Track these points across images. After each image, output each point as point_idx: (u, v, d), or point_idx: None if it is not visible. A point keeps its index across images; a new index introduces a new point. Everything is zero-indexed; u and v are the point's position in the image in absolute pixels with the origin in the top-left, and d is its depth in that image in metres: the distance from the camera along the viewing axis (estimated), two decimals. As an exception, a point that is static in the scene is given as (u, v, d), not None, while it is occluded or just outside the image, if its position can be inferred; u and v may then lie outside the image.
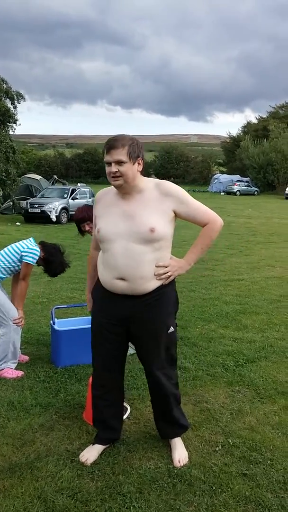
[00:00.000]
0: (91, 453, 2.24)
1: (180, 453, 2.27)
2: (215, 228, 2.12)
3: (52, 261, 3.26)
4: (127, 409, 2.69)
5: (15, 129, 17.56)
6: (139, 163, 2.01)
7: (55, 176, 23.56)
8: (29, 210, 16.17)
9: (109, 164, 1.98)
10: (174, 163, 51.08)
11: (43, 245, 3.29)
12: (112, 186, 2.09)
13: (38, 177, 21.86)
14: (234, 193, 35.13)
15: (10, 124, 17.22)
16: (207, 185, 42.46)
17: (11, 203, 18.50)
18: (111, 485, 2.05)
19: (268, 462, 2.25)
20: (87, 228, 3.16)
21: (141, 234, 1.98)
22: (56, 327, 3.32)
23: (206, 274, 6.92)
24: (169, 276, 2.08)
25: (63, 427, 2.52)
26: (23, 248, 3.14)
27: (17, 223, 15.92)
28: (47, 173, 35.50)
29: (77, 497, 1.97)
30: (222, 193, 36.21)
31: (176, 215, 2.07)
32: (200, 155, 53.64)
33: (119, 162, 1.95)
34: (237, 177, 38.98)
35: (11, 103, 17.30)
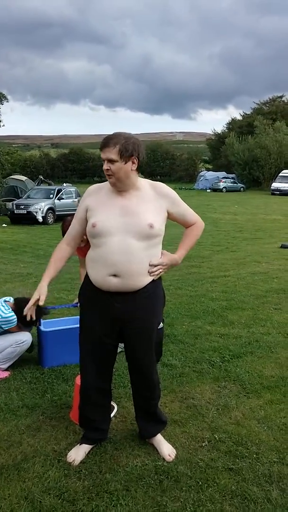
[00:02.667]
0: (78, 453, 2.24)
1: (167, 447, 2.29)
2: (200, 228, 2.29)
3: (24, 320, 3.21)
4: (114, 407, 2.70)
5: (-2, 130, 17.42)
6: (133, 162, 2.01)
7: (40, 177, 23.41)
8: (15, 212, 16.06)
9: (104, 161, 2.02)
10: (159, 161, 51.11)
11: (16, 304, 3.21)
12: (104, 183, 2.14)
13: (23, 178, 21.70)
14: (221, 190, 35.32)
15: (-7, 125, 17.08)
16: (193, 182, 42.62)
17: (-4, 204, 18.33)
18: (98, 483, 2.06)
19: (254, 456, 2.28)
20: None
21: (140, 230, 2.00)
22: (41, 328, 3.31)
23: (192, 271, 6.95)
24: (160, 272, 2.13)
25: (50, 427, 2.52)
26: None
27: (4, 225, 15.77)
28: (33, 174, 35.23)
29: (64, 496, 1.97)
30: (209, 190, 36.37)
31: (168, 215, 2.14)
32: (185, 152, 53.78)
33: (111, 161, 1.98)
34: (223, 174, 39.22)
35: (-6, 104, 17.15)
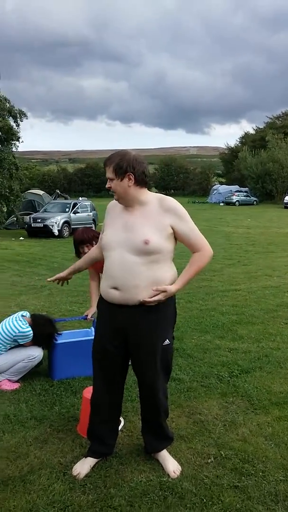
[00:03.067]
0: (83, 467, 2.25)
1: (172, 463, 2.28)
2: (205, 257, 2.15)
3: (41, 337, 3.26)
4: (120, 421, 2.70)
5: (18, 146, 17.81)
6: (129, 178, 2.05)
7: (57, 191, 23.81)
8: (32, 225, 16.35)
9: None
10: (173, 175, 51.46)
11: (33, 320, 3.29)
12: None
13: (41, 192, 22.09)
14: (233, 204, 35.30)
15: (13, 142, 17.47)
16: (207, 196, 42.70)
17: (14, 218, 18.71)
18: (102, 498, 2.06)
19: (260, 474, 2.25)
20: (86, 250, 3.12)
21: (135, 245, 2.04)
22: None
23: (203, 284, 6.95)
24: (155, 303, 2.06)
25: (57, 440, 2.54)
26: (15, 332, 3.14)
27: (21, 238, 16.03)
28: (50, 188, 35.79)
29: (68, 510, 1.98)
30: (222, 204, 36.39)
31: (173, 232, 2.09)
32: (199, 166, 54.01)
33: (109, 179, 2.10)
34: (236, 187, 39.24)
35: (14, 121, 17.59)
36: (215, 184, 46.10)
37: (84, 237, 3.16)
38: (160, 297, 2.04)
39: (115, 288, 2.09)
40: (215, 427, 2.68)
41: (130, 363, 2.31)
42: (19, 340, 3.18)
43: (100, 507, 2.00)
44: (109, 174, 2.08)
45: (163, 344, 2.17)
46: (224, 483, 2.18)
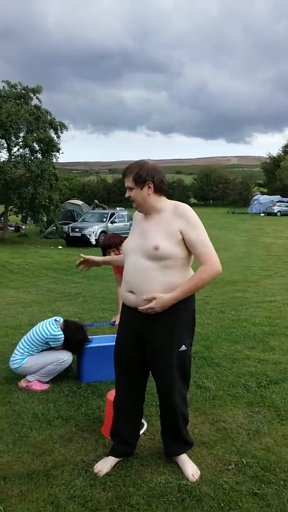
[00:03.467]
0: (104, 465, 2.32)
1: (191, 467, 2.31)
2: (208, 271, 2.07)
3: (71, 342, 3.38)
4: (143, 425, 2.76)
5: (58, 157, 18.46)
6: (149, 187, 2.14)
7: (95, 201, 24.38)
8: (71, 234, 16.84)
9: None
10: (212, 185, 51.17)
11: (65, 325, 3.44)
12: None
13: (80, 202, 22.73)
14: (275, 214, 34.58)
15: (53, 153, 18.14)
16: (247, 206, 42.07)
17: (54, 227, 19.32)
18: (121, 496, 2.12)
19: (281, 482, 2.23)
20: (112, 254, 3.25)
21: (147, 250, 2.12)
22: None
23: (237, 295, 6.88)
24: (152, 309, 2.09)
25: (81, 439, 2.62)
26: (47, 335, 3.30)
27: (59, 247, 16.54)
28: (89, 198, 36.71)
29: (87, 505, 2.05)
30: (262, 214, 35.74)
31: (183, 238, 2.09)
32: (239, 176, 53.42)
33: (129, 188, 2.18)
34: (278, 197, 38.44)
35: (55, 133, 18.28)
36: (256, 194, 45.36)
37: (111, 242, 3.28)
38: (152, 305, 2.06)
39: (131, 291, 2.18)
40: (239, 435, 2.68)
41: None
42: (50, 343, 3.31)
43: (118, 504, 2.06)
44: (129, 183, 2.16)
45: (179, 350, 2.20)
46: (243, 489, 2.17)
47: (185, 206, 2.16)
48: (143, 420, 2.80)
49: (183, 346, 2.21)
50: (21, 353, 3.34)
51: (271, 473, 2.30)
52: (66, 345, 3.39)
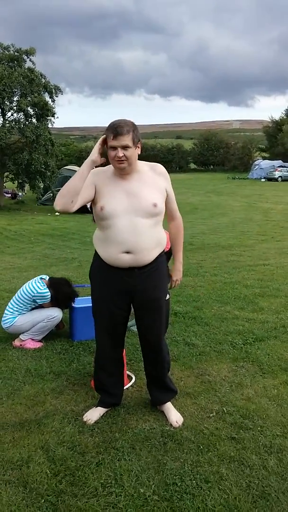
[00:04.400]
0: (93, 414, 2.47)
1: (175, 414, 2.45)
2: (181, 225, 2.50)
3: (58, 297, 3.47)
4: (132, 378, 2.90)
5: (53, 122, 18.09)
6: (138, 147, 2.17)
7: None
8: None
9: (115, 148, 2.09)
10: (213, 150, 50.31)
11: (50, 281, 3.53)
12: (108, 166, 2.26)
13: (77, 168, 22.43)
14: (276, 179, 34.22)
15: (48, 118, 17.76)
16: (248, 172, 41.55)
17: (51, 194, 19.19)
18: (107, 440, 2.26)
19: (258, 428, 2.37)
20: None
21: (145, 209, 2.16)
22: (73, 304, 3.57)
23: (232, 259, 6.96)
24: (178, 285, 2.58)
25: (72, 391, 2.76)
26: (33, 293, 3.39)
27: (56, 213, 16.50)
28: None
29: (75, 449, 2.20)
30: (263, 180, 35.35)
31: (166, 194, 2.29)
32: (240, 141, 52.42)
33: (125, 147, 2.10)
34: (279, 162, 37.87)
35: (50, 97, 17.83)
36: (257, 159, 44.68)
37: None
38: (179, 279, 2.58)
39: (127, 252, 2.19)
40: (222, 387, 2.81)
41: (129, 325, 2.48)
42: (37, 301, 3.42)
43: (104, 448, 2.20)
44: (128, 141, 2.07)
45: (166, 299, 2.39)
46: (222, 434, 2.31)
47: (161, 166, 2.29)
48: (131, 374, 2.94)
49: (168, 295, 2.44)
50: (11, 312, 3.44)
51: (249, 420, 2.44)
52: (55, 301, 3.49)
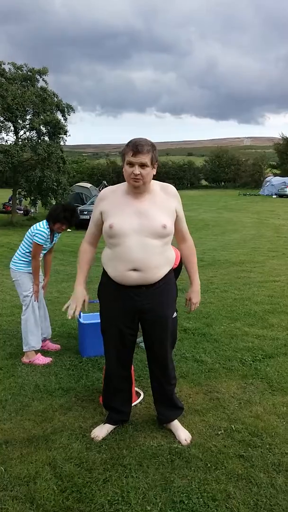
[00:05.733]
0: (101, 431, 2.47)
1: (184, 432, 2.44)
2: (194, 248, 2.50)
3: (55, 218, 3.50)
4: (140, 394, 2.90)
5: (65, 140, 18.40)
6: (154, 167, 2.21)
7: (104, 182, 24.30)
8: (79, 217, 16.91)
9: (132, 165, 2.12)
10: (224, 167, 50.54)
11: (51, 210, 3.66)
12: (118, 185, 2.32)
13: (88, 185, 22.73)
14: (287, 196, 34.11)
15: (61, 136, 18.08)
16: (259, 188, 41.56)
17: (63, 210, 19.37)
18: (115, 457, 2.26)
19: (267, 446, 2.35)
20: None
21: (154, 230, 2.19)
22: (81, 320, 3.60)
23: (242, 275, 6.94)
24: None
25: (80, 408, 2.77)
26: (33, 230, 3.51)
27: (68, 230, 16.63)
28: (99, 182, 36.63)
29: (83, 465, 2.20)
30: (274, 196, 35.28)
31: (176, 215, 2.31)
32: (251, 158, 52.62)
33: (143, 165, 2.13)
34: (290, 179, 37.80)
35: (62, 115, 18.18)
36: (268, 176, 44.70)
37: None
38: (198, 301, 2.51)
39: (134, 270, 2.21)
40: (230, 404, 2.79)
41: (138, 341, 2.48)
42: (35, 237, 3.44)
43: (112, 464, 2.20)
44: (146, 160, 2.11)
45: (173, 317, 2.41)
46: (230, 452, 2.29)
47: (172, 187, 2.32)
48: (139, 390, 2.94)
49: (175, 313, 2.46)
50: (19, 255, 3.59)
51: (258, 438, 2.42)
52: (59, 224, 3.51)
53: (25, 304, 3.56)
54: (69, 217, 3.52)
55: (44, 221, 3.56)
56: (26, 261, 3.56)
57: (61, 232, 3.63)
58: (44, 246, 3.50)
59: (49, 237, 3.51)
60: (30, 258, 3.54)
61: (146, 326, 2.36)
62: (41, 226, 3.49)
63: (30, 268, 3.55)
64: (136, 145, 2.12)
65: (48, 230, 3.50)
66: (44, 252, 3.62)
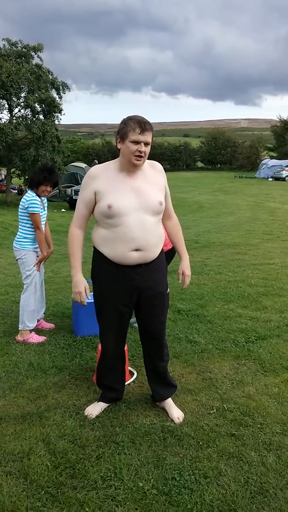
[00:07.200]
0: (94, 409, 2.49)
1: (177, 411, 2.47)
2: (179, 224, 2.52)
3: (37, 182, 3.52)
4: (133, 373, 2.92)
5: (60, 119, 18.12)
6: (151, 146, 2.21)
7: (95, 161, 24.03)
8: (74, 197, 16.78)
9: (137, 143, 2.09)
10: (220, 148, 50.15)
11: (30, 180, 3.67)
12: (107, 163, 2.28)
13: (83, 165, 22.50)
14: (283, 179, 34.01)
15: (55, 114, 17.79)
16: (255, 171, 41.35)
17: (57, 190, 19.23)
18: (108, 434, 2.28)
19: (258, 426, 2.38)
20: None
21: (153, 207, 2.19)
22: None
23: (236, 258, 6.95)
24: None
25: (74, 386, 2.79)
26: (24, 203, 3.51)
27: (63, 210, 16.55)
28: (94, 162, 36.23)
29: (76, 442, 2.22)
30: (270, 179, 35.16)
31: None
32: (248, 140, 52.17)
33: (147, 144, 2.13)
34: (287, 162, 37.62)
35: (57, 93, 17.85)
36: (265, 159, 44.42)
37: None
38: (189, 274, 2.52)
39: (136, 249, 2.19)
40: (223, 384, 2.82)
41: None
42: (29, 210, 3.47)
43: (105, 442, 2.22)
44: (149, 138, 2.12)
45: (167, 292, 2.46)
46: (222, 431, 2.33)
47: (159, 164, 2.34)
48: (133, 370, 2.96)
49: (168, 289, 2.51)
50: (21, 233, 3.57)
51: (249, 417, 2.45)
52: (45, 185, 3.53)
53: (27, 283, 3.54)
54: (49, 175, 3.52)
55: (29, 190, 3.57)
56: (30, 237, 3.54)
57: (47, 195, 3.64)
58: (41, 213, 3.52)
59: (40, 203, 3.53)
60: (33, 234, 3.53)
61: (144, 302, 2.35)
62: (30, 196, 3.50)
63: (35, 244, 3.55)
64: (143, 122, 2.10)
65: (37, 196, 3.51)
66: (43, 221, 3.60)
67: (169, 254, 3.18)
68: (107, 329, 2.43)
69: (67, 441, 2.23)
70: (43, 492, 1.89)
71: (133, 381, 2.85)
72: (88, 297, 2.35)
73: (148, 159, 2.24)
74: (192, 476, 1.98)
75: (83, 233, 2.38)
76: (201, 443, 2.22)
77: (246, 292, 4.92)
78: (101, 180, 2.21)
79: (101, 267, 2.31)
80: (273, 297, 4.78)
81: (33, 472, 2.00)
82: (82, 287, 2.33)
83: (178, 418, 2.42)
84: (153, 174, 2.27)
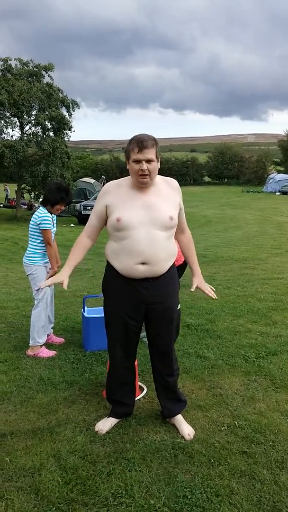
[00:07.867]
0: (105, 424, 2.48)
1: (188, 428, 2.46)
2: (191, 238, 2.56)
3: (54, 201, 3.56)
4: (143, 389, 2.91)
5: (70, 136, 18.43)
6: (159, 161, 2.23)
7: (103, 177, 24.28)
8: (82, 212, 16.96)
9: (139, 162, 2.14)
10: (227, 163, 50.41)
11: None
12: (122, 179, 2.33)
13: (92, 180, 22.74)
14: (291, 193, 33.97)
15: (65, 131, 18.11)
16: (262, 185, 41.40)
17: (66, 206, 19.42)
18: (119, 451, 2.27)
19: (270, 443, 2.35)
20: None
21: (162, 222, 2.22)
22: (85, 314, 3.61)
23: (245, 272, 6.94)
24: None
25: (84, 401, 2.79)
26: (36, 219, 3.54)
27: (71, 225, 16.69)
28: (102, 177, 36.62)
29: (87, 458, 2.21)
30: (278, 193, 35.14)
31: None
32: (255, 154, 52.39)
33: (149, 161, 2.15)
34: (294, 176, 37.63)
35: (67, 111, 18.20)
36: (272, 173, 44.50)
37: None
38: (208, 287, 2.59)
39: (143, 263, 2.23)
40: (233, 401, 2.80)
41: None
42: (41, 226, 3.50)
43: (115, 458, 2.21)
44: (152, 155, 2.14)
45: (177, 308, 2.46)
46: (234, 448, 2.30)
47: (175, 181, 2.38)
48: (143, 385, 2.96)
49: (178, 305, 2.51)
50: (32, 248, 3.60)
51: (261, 435, 2.43)
52: (58, 205, 3.58)
53: (38, 299, 3.57)
54: (66, 196, 3.59)
55: (41, 207, 3.61)
56: (40, 252, 3.59)
57: (58, 214, 3.69)
58: (52, 230, 3.57)
59: (52, 220, 3.57)
60: (43, 249, 3.57)
61: (152, 317, 2.37)
62: (42, 213, 3.54)
63: (46, 259, 3.58)
64: (141, 141, 2.14)
65: (49, 213, 3.56)
66: (53, 237, 3.64)
67: (180, 268, 3.21)
68: (114, 341, 2.45)
69: (78, 457, 2.22)
70: (54, 508, 1.88)
71: (143, 397, 2.84)
72: (65, 287, 2.37)
73: (160, 173, 2.30)
74: (204, 494, 1.96)
75: (91, 242, 2.43)
76: (212, 460, 2.20)
77: (256, 307, 4.90)
78: (113, 195, 2.29)
79: (111, 280, 2.37)
80: (282, 312, 4.75)
81: (44, 488, 1.99)
82: (59, 277, 2.37)
83: (188, 435, 2.41)
84: (167, 189, 2.30)
